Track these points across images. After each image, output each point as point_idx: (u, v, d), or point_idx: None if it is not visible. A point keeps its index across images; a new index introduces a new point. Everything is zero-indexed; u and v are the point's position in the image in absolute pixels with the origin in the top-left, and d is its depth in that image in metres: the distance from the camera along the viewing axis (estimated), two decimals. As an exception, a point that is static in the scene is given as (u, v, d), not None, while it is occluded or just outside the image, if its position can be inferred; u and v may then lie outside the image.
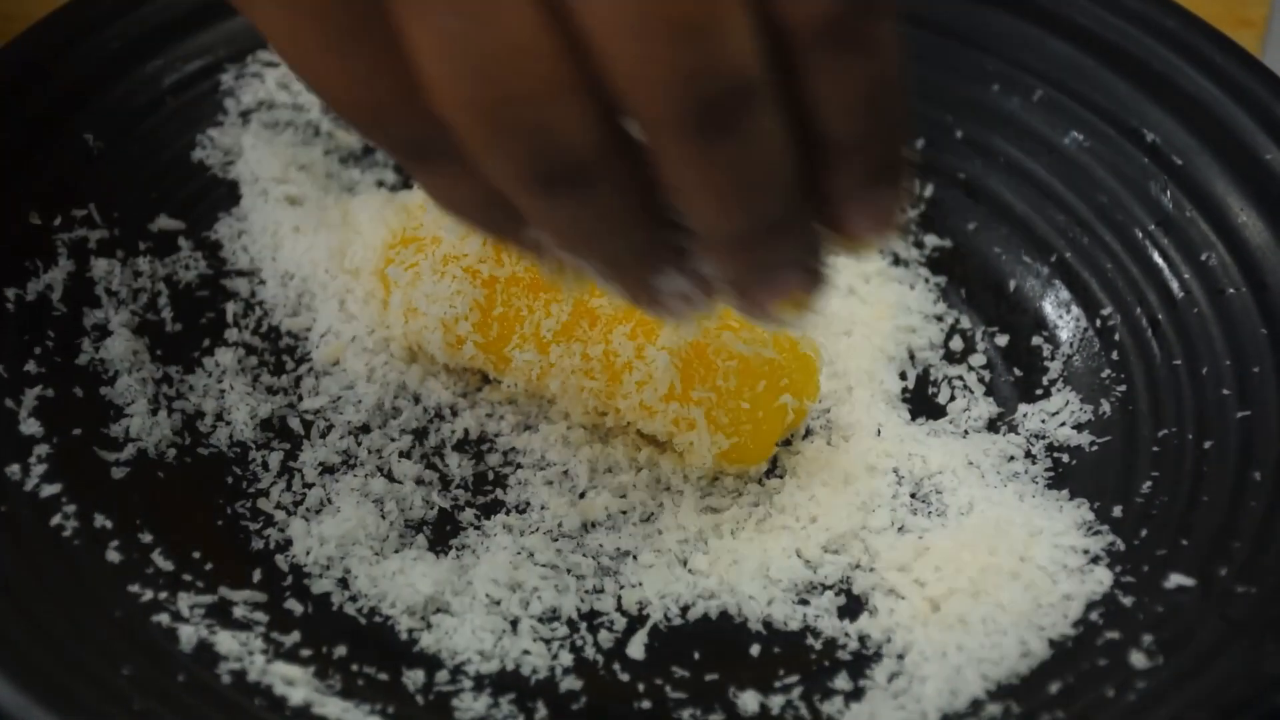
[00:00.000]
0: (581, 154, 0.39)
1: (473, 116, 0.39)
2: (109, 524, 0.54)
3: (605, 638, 0.54)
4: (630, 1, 0.37)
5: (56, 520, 0.53)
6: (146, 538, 0.54)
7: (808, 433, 0.59)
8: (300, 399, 0.60)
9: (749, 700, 0.51)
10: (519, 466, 0.58)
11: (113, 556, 0.53)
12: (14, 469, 0.54)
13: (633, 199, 0.41)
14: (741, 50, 0.38)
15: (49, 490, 0.54)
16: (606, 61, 0.38)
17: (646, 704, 0.52)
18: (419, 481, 0.58)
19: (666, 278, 0.44)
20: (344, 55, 0.40)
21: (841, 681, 0.52)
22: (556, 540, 0.56)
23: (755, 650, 0.53)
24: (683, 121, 0.38)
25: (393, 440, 0.59)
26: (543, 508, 0.57)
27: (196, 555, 0.54)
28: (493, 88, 0.38)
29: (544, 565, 0.55)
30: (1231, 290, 0.59)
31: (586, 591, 0.55)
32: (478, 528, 0.56)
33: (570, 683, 0.52)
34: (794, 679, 0.52)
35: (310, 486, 0.57)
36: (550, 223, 0.42)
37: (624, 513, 0.57)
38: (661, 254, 0.43)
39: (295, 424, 0.59)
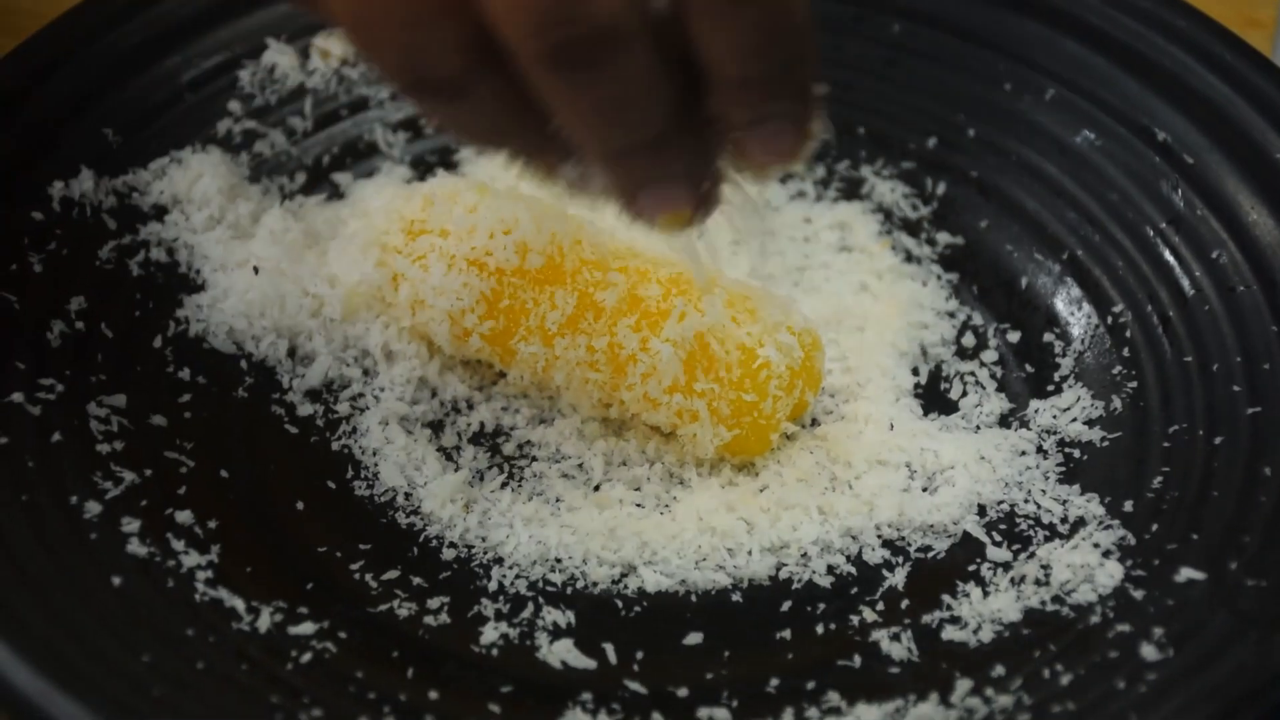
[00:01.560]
0: (448, 70, 0.44)
1: (356, 31, 0.44)
2: (136, 522, 0.54)
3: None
4: None
5: (75, 502, 0.54)
6: (178, 543, 0.54)
7: (818, 424, 0.60)
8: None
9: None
10: (534, 460, 0.59)
11: (136, 549, 0.53)
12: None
13: (511, 107, 0.45)
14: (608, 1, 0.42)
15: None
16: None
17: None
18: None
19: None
20: None
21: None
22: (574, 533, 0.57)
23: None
24: (544, 58, 0.43)
25: (410, 434, 0.59)
26: (558, 500, 0.57)
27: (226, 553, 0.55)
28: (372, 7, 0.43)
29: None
30: (1242, 288, 0.59)
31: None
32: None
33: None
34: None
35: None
36: (445, 125, 0.48)
37: (639, 505, 0.57)
38: (562, 149, 0.47)
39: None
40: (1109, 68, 0.65)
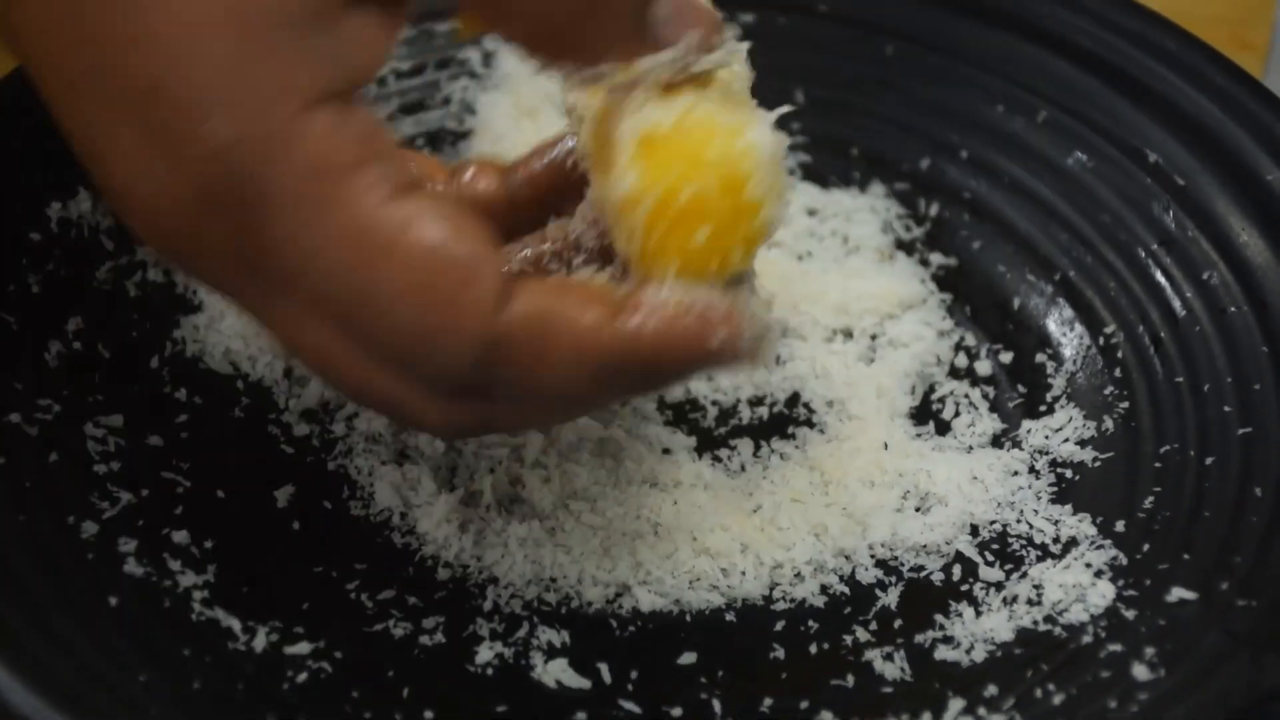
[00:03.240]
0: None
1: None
2: (133, 543, 0.54)
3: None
4: None
5: (72, 522, 0.54)
6: (175, 563, 0.55)
7: (812, 445, 0.60)
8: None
9: None
10: (529, 479, 0.59)
11: (133, 568, 0.54)
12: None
13: None
14: None
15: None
16: None
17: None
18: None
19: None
20: None
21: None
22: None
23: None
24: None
25: (405, 455, 0.59)
26: (552, 519, 0.58)
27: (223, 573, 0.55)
28: None
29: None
30: (1233, 309, 0.60)
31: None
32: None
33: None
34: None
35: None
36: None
37: (634, 525, 0.57)
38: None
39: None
40: (1101, 90, 0.65)
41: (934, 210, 0.67)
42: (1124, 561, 0.55)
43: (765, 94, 0.49)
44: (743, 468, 0.60)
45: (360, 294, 0.43)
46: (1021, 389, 0.62)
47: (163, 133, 0.42)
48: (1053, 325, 0.63)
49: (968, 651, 0.53)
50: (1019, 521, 0.57)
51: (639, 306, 0.46)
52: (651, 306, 0.46)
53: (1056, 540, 0.56)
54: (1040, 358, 0.62)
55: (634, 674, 0.53)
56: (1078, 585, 0.54)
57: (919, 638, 0.54)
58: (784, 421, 0.61)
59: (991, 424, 0.61)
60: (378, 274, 0.43)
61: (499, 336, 0.44)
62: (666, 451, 0.60)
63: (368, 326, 0.44)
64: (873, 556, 0.57)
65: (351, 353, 0.44)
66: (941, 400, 0.62)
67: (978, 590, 0.56)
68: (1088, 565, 0.55)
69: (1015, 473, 0.59)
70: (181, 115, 0.42)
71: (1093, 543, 0.56)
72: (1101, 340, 0.61)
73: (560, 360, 0.45)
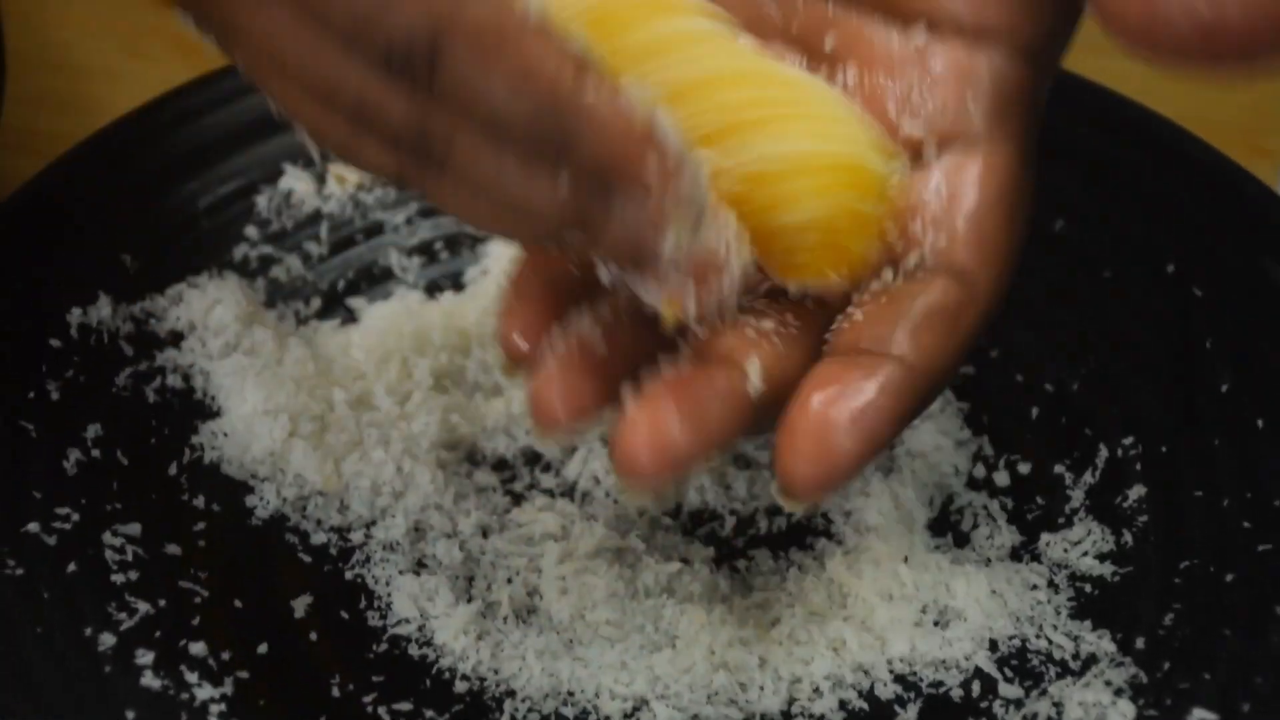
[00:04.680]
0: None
1: None
2: (150, 654, 0.54)
3: None
4: None
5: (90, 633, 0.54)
6: (192, 675, 0.55)
7: (827, 555, 0.60)
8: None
9: None
10: (547, 592, 0.59)
11: (150, 681, 0.54)
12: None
13: None
14: None
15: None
16: None
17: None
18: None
19: None
20: None
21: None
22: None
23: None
24: None
25: (423, 565, 0.59)
26: (570, 632, 0.57)
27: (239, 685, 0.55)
28: None
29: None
30: (1252, 421, 0.59)
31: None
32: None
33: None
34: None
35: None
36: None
37: (652, 638, 0.57)
38: None
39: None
40: (1117, 199, 0.66)
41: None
42: (1144, 680, 0.55)
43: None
44: (761, 580, 0.59)
45: None
46: (1040, 500, 0.62)
47: None
48: (1071, 436, 0.63)
49: (988, 770, 0.53)
50: (1038, 637, 0.57)
51: (605, 86, 0.43)
52: (617, 91, 0.43)
53: (1076, 657, 0.56)
54: (1058, 469, 0.62)
55: (651, 791, 0.53)
56: (1098, 704, 0.54)
57: (938, 755, 0.54)
58: (802, 531, 0.61)
59: (1010, 536, 0.61)
60: None
61: (451, 18, 0.42)
62: (684, 562, 0.59)
63: (322, 4, 0.43)
64: (891, 672, 0.57)
65: (309, 40, 0.43)
66: (960, 511, 0.62)
67: (997, 708, 0.55)
68: (1108, 683, 0.55)
69: (1034, 586, 0.59)
70: None
71: (1113, 660, 0.56)
72: (1120, 452, 0.61)
73: (501, 81, 0.42)
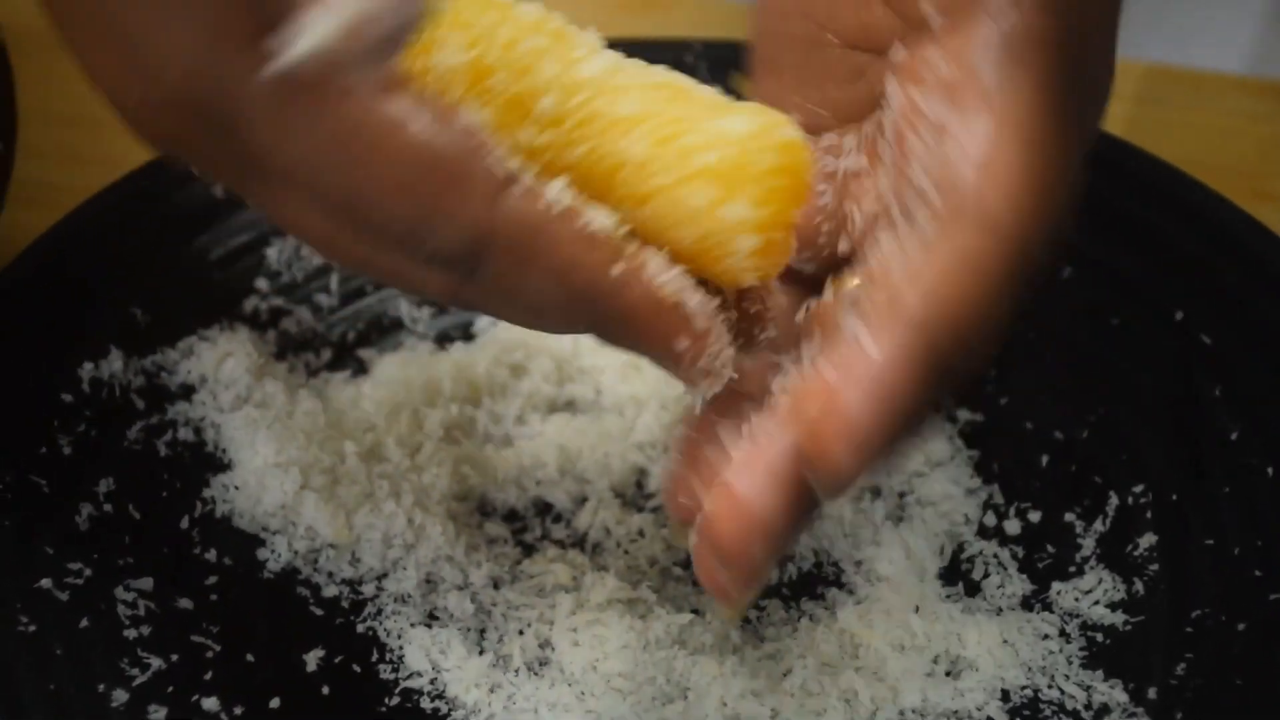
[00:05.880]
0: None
1: None
2: (163, 710, 0.54)
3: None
4: None
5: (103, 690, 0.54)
6: None
7: (839, 605, 0.60)
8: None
9: None
10: (559, 643, 0.59)
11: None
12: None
13: None
14: None
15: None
16: None
17: None
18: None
19: None
20: None
21: None
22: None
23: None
24: None
25: (435, 617, 0.59)
26: (582, 684, 0.57)
27: None
28: None
29: None
30: (1261, 469, 0.60)
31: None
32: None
33: None
34: None
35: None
36: None
37: (664, 690, 0.57)
38: None
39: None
40: (1124, 247, 0.66)
41: (960, 365, 0.67)
42: (1157, 730, 0.55)
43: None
44: (772, 630, 0.59)
45: (355, 190, 0.43)
46: (1051, 549, 0.62)
47: (133, 56, 0.43)
48: (1081, 484, 0.63)
49: (1001, 822, 0.53)
50: (1050, 687, 0.57)
51: (634, 265, 0.46)
52: (646, 272, 0.46)
53: (1088, 707, 0.56)
54: (1069, 517, 0.62)
55: (665, 845, 0.53)
56: (1111, 754, 0.54)
57: (952, 806, 0.54)
58: (813, 581, 0.61)
59: (1021, 585, 0.61)
60: (371, 172, 0.43)
61: (492, 229, 0.44)
62: (696, 612, 0.59)
63: (364, 218, 0.44)
64: (904, 723, 0.57)
65: (351, 237, 0.45)
66: (971, 560, 0.62)
67: (1010, 759, 0.55)
68: (1121, 734, 0.55)
69: (1046, 636, 0.59)
70: (144, 40, 0.43)
71: (1125, 710, 0.55)
72: (1130, 500, 0.61)
73: (539, 277, 0.45)
